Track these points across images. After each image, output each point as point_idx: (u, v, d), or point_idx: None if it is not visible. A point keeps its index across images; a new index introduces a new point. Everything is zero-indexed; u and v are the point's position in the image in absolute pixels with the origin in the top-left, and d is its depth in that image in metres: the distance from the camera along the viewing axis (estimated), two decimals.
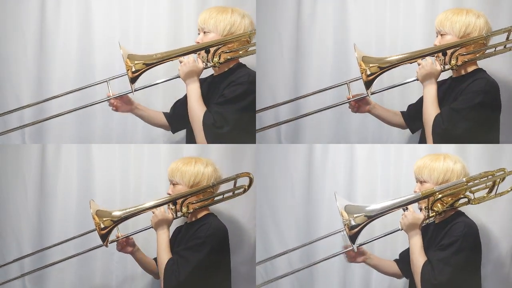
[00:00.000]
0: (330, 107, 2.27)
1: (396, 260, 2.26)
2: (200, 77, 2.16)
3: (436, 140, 2.09)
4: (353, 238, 2.02)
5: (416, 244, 2.04)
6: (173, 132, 2.39)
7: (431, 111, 2.08)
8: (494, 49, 2.13)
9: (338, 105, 2.25)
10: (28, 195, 2.57)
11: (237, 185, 2.23)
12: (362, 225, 2.02)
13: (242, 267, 2.48)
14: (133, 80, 2.10)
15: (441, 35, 2.12)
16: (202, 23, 2.14)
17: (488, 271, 2.35)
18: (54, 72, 2.60)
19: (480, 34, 2.09)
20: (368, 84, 2.08)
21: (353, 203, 2.07)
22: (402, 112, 2.34)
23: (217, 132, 2.08)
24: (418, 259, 2.03)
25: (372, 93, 2.16)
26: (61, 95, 2.38)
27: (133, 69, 2.09)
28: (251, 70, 2.19)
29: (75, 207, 2.55)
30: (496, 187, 2.10)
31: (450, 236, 2.04)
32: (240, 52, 2.16)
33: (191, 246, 2.11)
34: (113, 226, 2.11)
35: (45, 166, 2.56)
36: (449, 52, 2.09)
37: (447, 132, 2.05)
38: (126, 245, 2.22)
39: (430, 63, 2.09)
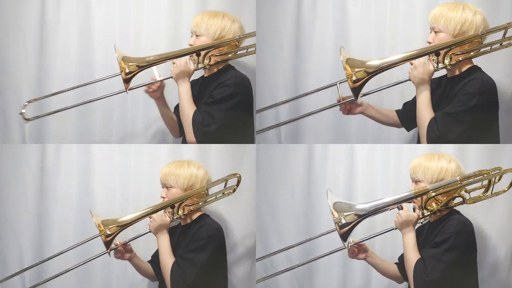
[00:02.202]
0: (324, 109, 2.26)
1: (396, 264, 2.23)
2: (192, 79, 2.23)
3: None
4: (344, 237, 2.00)
5: (409, 241, 2.02)
6: (180, 135, 2.41)
7: (425, 114, 2.03)
8: (490, 47, 2.05)
9: (330, 107, 2.25)
10: (28, 195, 2.57)
11: (227, 186, 2.27)
12: (353, 224, 1.99)
13: (242, 266, 2.48)
14: (126, 80, 2.18)
15: (435, 32, 2.05)
16: (194, 26, 2.22)
17: (486, 274, 2.34)
18: (54, 72, 2.61)
19: (477, 32, 2.00)
20: (356, 91, 2.02)
21: (342, 200, 2.06)
22: (397, 111, 2.32)
23: (205, 130, 2.15)
24: (411, 256, 2.01)
25: (364, 95, 2.14)
26: (63, 91, 2.39)
27: (127, 71, 2.17)
28: (239, 72, 2.25)
29: (75, 207, 2.55)
30: (491, 186, 2.06)
31: (443, 233, 2.01)
32: (230, 55, 2.24)
33: (194, 248, 2.13)
34: (116, 234, 2.12)
35: (45, 166, 2.56)
36: (442, 51, 2.01)
37: (442, 137, 2.00)
38: (125, 252, 2.22)
39: (423, 64, 2.02)
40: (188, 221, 2.23)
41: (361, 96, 2.06)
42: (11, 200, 2.57)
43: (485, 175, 2.05)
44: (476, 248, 2.06)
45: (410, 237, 2.02)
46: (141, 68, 2.18)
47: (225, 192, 2.28)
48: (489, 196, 2.08)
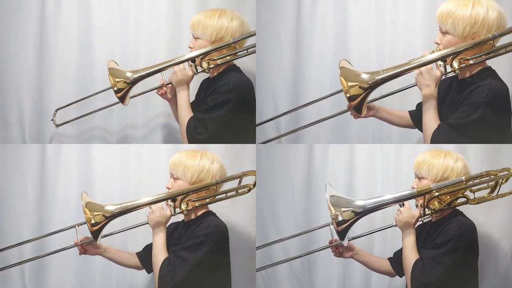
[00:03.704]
0: (331, 117, 2.21)
1: (389, 259, 2.20)
2: (201, 79, 2.23)
3: None
4: (342, 234, 1.92)
5: (409, 241, 1.97)
6: None
7: (429, 123, 1.93)
8: (504, 49, 1.87)
9: (339, 114, 2.19)
10: (28, 195, 2.57)
11: (241, 184, 2.19)
12: (350, 221, 1.91)
13: (242, 267, 2.47)
14: (121, 99, 2.19)
15: (442, 32, 1.90)
16: (192, 28, 2.17)
17: (487, 272, 2.33)
18: (54, 72, 2.61)
19: (489, 33, 1.83)
20: (357, 108, 1.92)
21: (339, 194, 1.98)
22: (410, 112, 2.23)
23: (196, 137, 2.13)
24: (410, 256, 1.95)
25: (371, 101, 2.09)
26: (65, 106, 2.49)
27: (115, 88, 2.17)
28: (236, 76, 2.18)
29: (75, 207, 2.54)
30: (498, 187, 1.97)
31: (444, 234, 1.95)
32: (228, 58, 2.16)
33: (189, 246, 2.03)
34: (106, 222, 2.05)
35: (45, 166, 2.56)
36: (449, 57, 1.86)
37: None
38: (91, 247, 2.18)
39: (429, 70, 1.90)
40: (192, 216, 2.13)
41: (368, 103, 1.98)
42: (11, 200, 2.57)
43: (492, 176, 1.96)
44: (478, 250, 2.00)
45: (410, 236, 1.98)
46: (130, 84, 2.17)
47: (239, 191, 2.17)
48: (494, 197, 2.00)
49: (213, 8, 2.20)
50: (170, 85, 2.21)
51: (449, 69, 1.90)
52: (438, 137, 1.91)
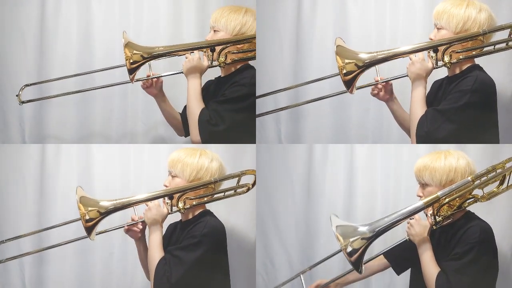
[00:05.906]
0: (330, 96, 2.20)
1: (386, 256, 2.12)
2: (208, 79, 2.18)
3: (419, 142, 1.96)
4: (356, 264, 1.79)
5: (427, 255, 1.86)
6: (186, 135, 2.33)
7: (417, 111, 1.95)
8: (493, 46, 1.97)
9: (339, 93, 2.14)
10: (28, 195, 2.57)
11: (240, 183, 2.16)
12: (362, 249, 1.79)
13: (242, 267, 2.47)
14: (131, 71, 2.05)
15: (437, 28, 1.99)
16: (213, 21, 2.09)
17: None
18: (54, 72, 2.60)
19: (480, 30, 1.93)
20: (348, 84, 1.94)
21: (344, 222, 1.86)
22: None
23: (211, 129, 2.03)
24: (431, 270, 1.84)
25: (359, 88, 2.06)
26: (64, 78, 2.39)
27: (131, 60, 2.04)
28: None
29: (75, 207, 2.53)
30: (508, 178, 1.89)
31: (465, 243, 1.85)
32: (249, 54, 2.09)
33: (185, 246, 1.98)
34: (100, 218, 1.98)
35: (45, 166, 2.56)
36: (441, 48, 1.95)
37: (430, 134, 1.90)
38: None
39: (421, 60, 1.96)
40: (190, 216, 2.08)
41: (356, 89, 2.00)
42: (11, 200, 2.57)
43: (499, 170, 1.88)
44: (497, 253, 1.91)
45: (426, 249, 1.87)
46: (146, 59, 2.05)
47: (238, 190, 2.14)
48: (505, 189, 1.91)
49: (237, 5, 2.13)
50: (156, 79, 2.15)
51: (440, 64, 1.99)
52: (425, 122, 1.93)
